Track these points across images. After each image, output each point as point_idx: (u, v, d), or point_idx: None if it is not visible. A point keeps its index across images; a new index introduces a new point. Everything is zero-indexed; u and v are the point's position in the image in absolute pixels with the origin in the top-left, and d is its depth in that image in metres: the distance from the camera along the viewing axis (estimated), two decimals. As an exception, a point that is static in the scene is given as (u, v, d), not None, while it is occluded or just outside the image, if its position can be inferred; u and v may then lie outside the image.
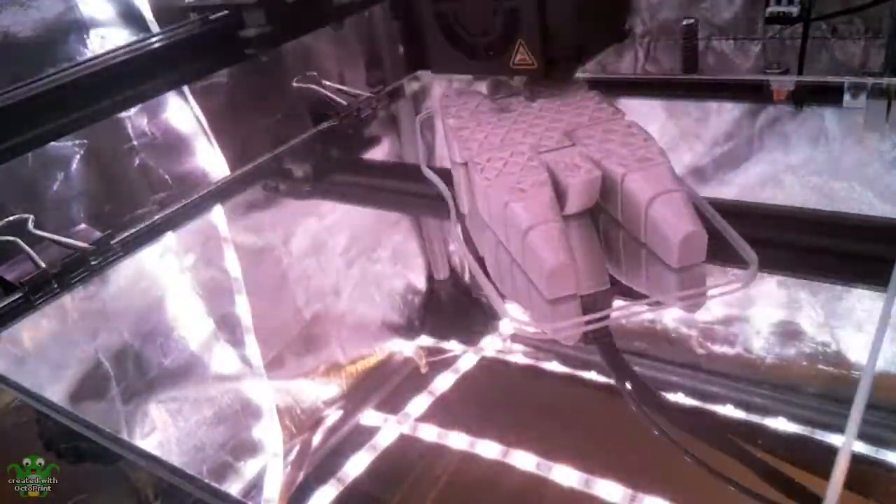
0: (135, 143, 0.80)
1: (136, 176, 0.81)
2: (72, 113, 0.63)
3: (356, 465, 0.41)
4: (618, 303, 0.43)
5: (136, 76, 0.66)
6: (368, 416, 0.45)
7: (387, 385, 0.48)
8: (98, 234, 0.62)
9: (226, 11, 0.72)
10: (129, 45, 0.67)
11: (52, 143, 0.72)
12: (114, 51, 0.66)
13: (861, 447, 0.35)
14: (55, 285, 0.58)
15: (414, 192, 0.65)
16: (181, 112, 0.85)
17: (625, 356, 0.42)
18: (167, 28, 0.72)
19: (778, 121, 0.68)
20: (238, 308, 0.58)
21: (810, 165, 0.60)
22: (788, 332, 0.46)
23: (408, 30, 0.91)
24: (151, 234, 0.66)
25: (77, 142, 0.75)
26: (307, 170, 0.77)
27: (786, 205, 0.53)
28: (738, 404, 0.41)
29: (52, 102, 0.63)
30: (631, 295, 0.43)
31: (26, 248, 0.58)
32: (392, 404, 0.45)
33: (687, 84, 0.50)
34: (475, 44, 0.54)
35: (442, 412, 0.44)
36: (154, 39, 0.69)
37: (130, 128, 0.80)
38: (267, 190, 0.74)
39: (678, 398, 0.43)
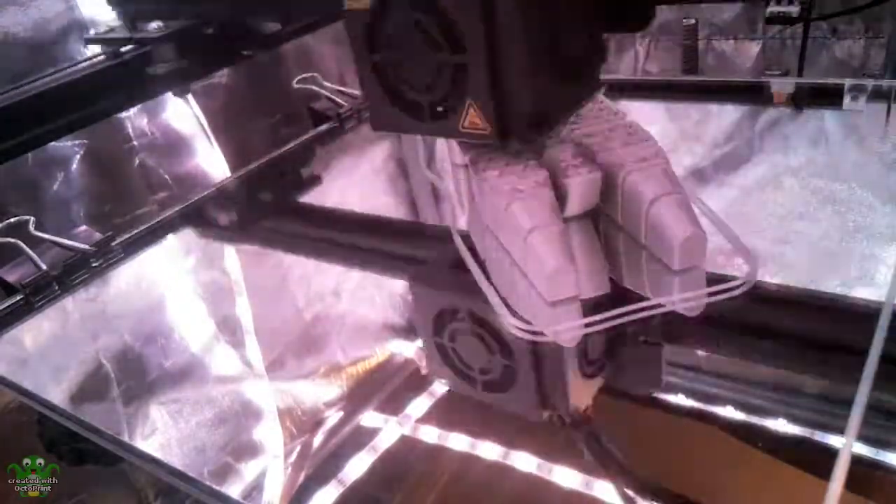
0: (135, 143, 0.80)
1: (136, 176, 0.81)
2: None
3: (357, 467, 0.41)
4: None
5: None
6: (369, 418, 0.45)
7: (387, 386, 0.48)
8: (99, 236, 0.62)
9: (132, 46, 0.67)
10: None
11: (52, 143, 0.72)
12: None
13: (861, 449, 0.35)
14: (56, 287, 0.58)
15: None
16: (181, 112, 0.85)
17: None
18: (72, 63, 0.68)
19: (778, 122, 0.68)
20: (239, 309, 0.58)
21: (810, 167, 0.60)
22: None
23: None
24: (152, 235, 0.66)
25: (77, 142, 0.75)
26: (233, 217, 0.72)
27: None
28: (739, 405, 0.41)
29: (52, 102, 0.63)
30: (631, 297, 0.44)
31: (27, 249, 0.58)
32: (393, 405, 0.45)
33: (687, 86, 0.50)
34: (419, 102, 0.44)
35: (442, 413, 0.44)
36: (51, 77, 0.65)
37: (130, 128, 0.81)
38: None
39: (678, 399, 0.43)
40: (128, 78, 0.68)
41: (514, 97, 0.42)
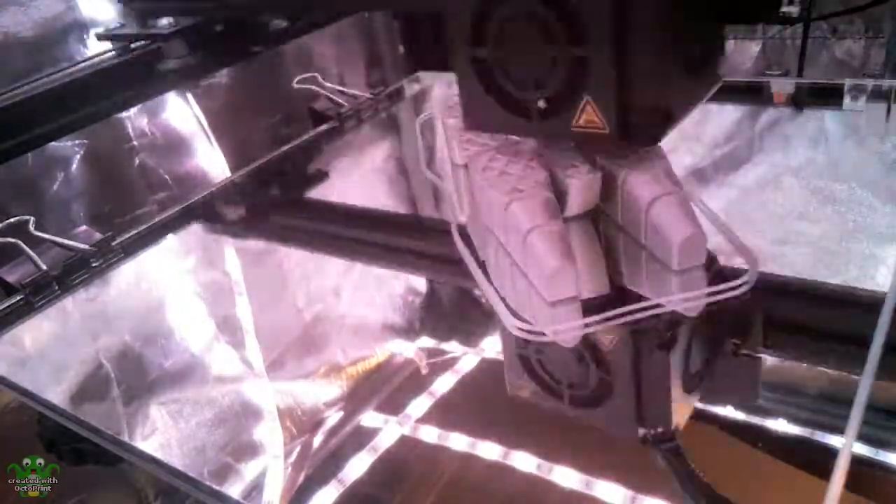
0: (135, 143, 0.80)
1: (136, 176, 0.81)
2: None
3: (357, 467, 0.41)
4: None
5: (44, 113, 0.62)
6: (369, 418, 0.45)
7: (387, 386, 0.48)
8: (99, 236, 0.62)
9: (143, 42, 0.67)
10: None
11: (52, 143, 0.72)
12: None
13: (861, 449, 0.35)
14: (56, 287, 0.58)
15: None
16: (181, 112, 0.85)
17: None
18: (81, 60, 0.68)
19: (778, 122, 0.68)
20: (239, 309, 0.58)
21: (810, 167, 0.60)
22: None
23: (407, 30, 0.91)
24: (152, 235, 0.66)
25: (77, 142, 0.75)
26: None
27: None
28: (739, 406, 0.41)
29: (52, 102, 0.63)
30: (631, 297, 0.44)
31: (27, 249, 0.58)
32: (393, 406, 0.45)
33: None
34: (525, 100, 0.41)
35: (442, 413, 0.44)
36: (59, 74, 0.65)
37: (130, 128, 0.80)
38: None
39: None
40: (138, 74, 0.68)
41: (638, 94, 0.39)
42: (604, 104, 0.39)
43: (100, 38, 0.71)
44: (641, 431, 0.39)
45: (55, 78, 0.65)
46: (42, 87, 0.64)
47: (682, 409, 0.39)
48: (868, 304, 0.42)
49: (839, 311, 0.45)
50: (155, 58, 0.69)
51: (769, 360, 0.44)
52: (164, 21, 0.69)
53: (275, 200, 0.75)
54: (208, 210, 0.72)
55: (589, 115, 0.40)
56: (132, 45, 0.69)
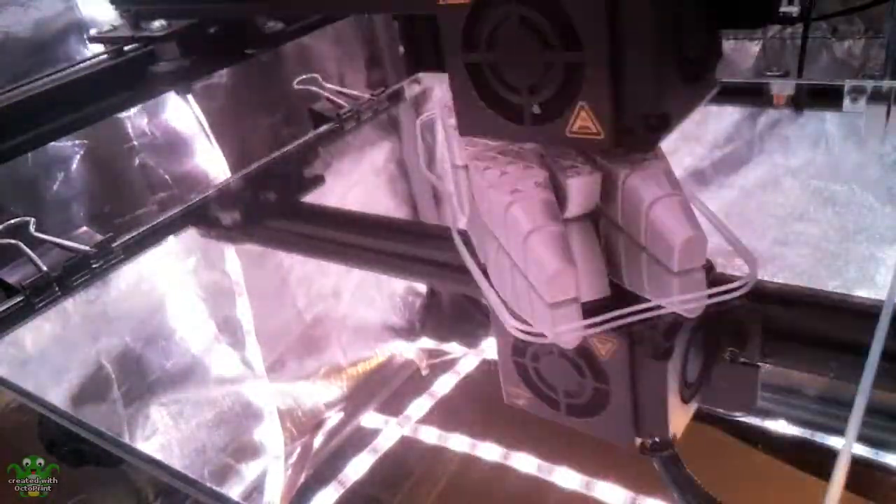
0: (135, 143, 0.80)
1: (136, 176, 0.81)
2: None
3: (357, 468, 0.41)
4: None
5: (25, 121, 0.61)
6: (369, 419, 0.45)
7: (388, 387, 0.48)
8: (99, 237, 0.62)
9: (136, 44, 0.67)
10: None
11: (52, 143, 0.72)
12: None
13: (861, 450, 0.35)
14: (56, 288, 0.58)
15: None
16: (181, 112, 0.85)
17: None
18: (73, 62, 0.68)
19: (778, 124, 0.68)
20: (239, 310, 0.58)
21: (810, 168, 0.60)
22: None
23: (408, 31, 0.91)
24: (152, 236, 0.66)
25: (77, 142, 0.75)
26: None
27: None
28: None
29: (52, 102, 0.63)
30: (631, 298, 0.44)
31: (27, 250, 0.58)
32: (393, 406, 0.45)
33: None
34: (519, 104, 0.41)
35: (443, 414, 0.44)
36: (51, 77, 0.64)
37: (130, 128, 0.80)
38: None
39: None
40: (130, 77, 0.68)
41: (634, 99, 0.38)
42: (598, 110, 0.39)
43: (91, 40, 0.70)
44: (638, 441, 0.39)
45: (50, 80, 0.64)
46: (35, 90, 0.64)
47: (679, 417, 0.39)
48: (866, 311, 0.42)
49: (837, 318, 0.45)
50: (148, 60, 0.68)
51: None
52: (157, 24, 0.68)
53: (273, 204, 0.75)
54: (208, 212, 0.72)
55: (583, 121, 0.40)
56: (125, 48, 0.68)
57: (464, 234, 0.53)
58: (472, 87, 0.42)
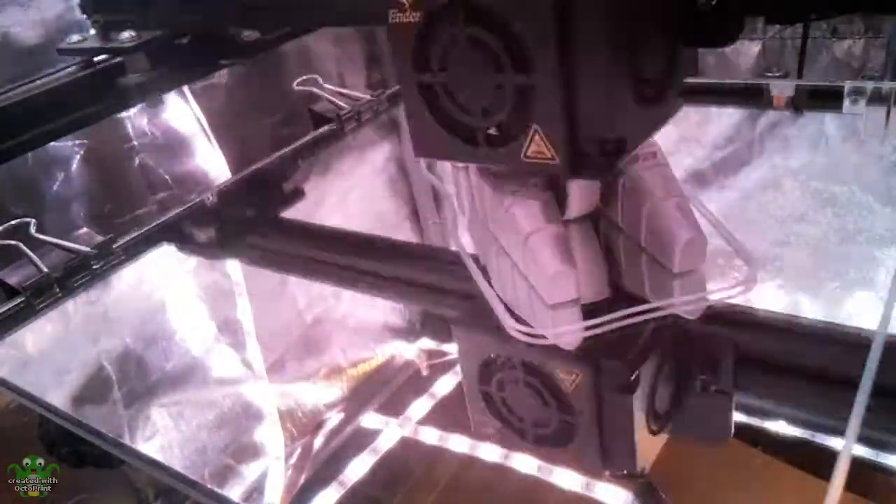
0: (135, 143, 0.80)
1: (136, 176, 0.81)
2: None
3: (357, 468, 0.42)
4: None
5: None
6: (369, 419, 0.45)
7: (388, 388, 0.48)
8: (100, 238, 0.62)
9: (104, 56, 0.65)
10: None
11: (52, 143, 0.72)
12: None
13: (861, 450, 0.35)
14: (57, 289, 0.58)
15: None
16: (181, 112, 0.85)
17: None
18: (42, 74, 0.66)
19: (778, 125, 0.68)
20: (239, 311, 0.58)
21: (810, 169, 0.60)
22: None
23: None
24: (153, 237, 0.66)
25: (77, 142, 0.75)
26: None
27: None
28: (739, 407, 0.41)
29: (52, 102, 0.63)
30: (631, 299, 0.44)
31: (28, 252, 0.58)
32: (393, 407, 0.45)
33: (687, 88, 0.49)
34: (473, 127, 0.39)
35: (443, 415, 0.44)
36: (21, 89, 0.63)
37: (130, 128, 0.80)
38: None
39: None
40: (100, 88, 0.67)
41: (588, 123, 0.36)
42: (552, 134, 0.37)
43: (61, 52, 0.69)
44: (607, 473, 0.39)
45: (24, 90, 0.64)
46: (37, 90, 0.64)
47: (650, 446, 0.39)
48: (842, 342, 0.41)
49: (815, 348, 0.43)
50: (117, 72, 0.67)
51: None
52: (126, 34, 0.67)
53: (271, 205, 0.75)
54: (207, 213, 0.72)
55: (537, 146, 0.38)
56: (94, 59, 0.68)
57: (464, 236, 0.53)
58: (425, 108, 0.40)
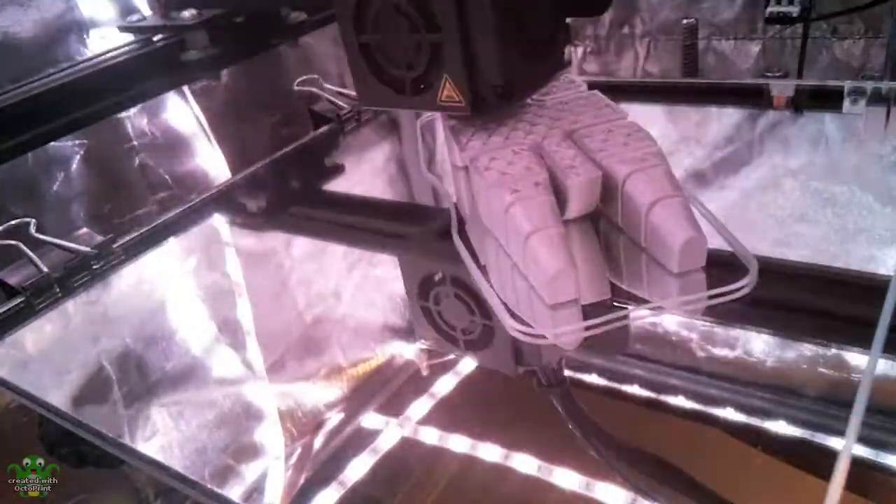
0: (135, 143, 0.80)
1: (136, 176, 0.81)
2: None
3: (357, 468, 0.41)
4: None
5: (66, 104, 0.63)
6: (370, 419, 0.45)
7: (388, 388, 0.48)
8: (100, 238, 0.62)
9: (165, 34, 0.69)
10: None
11: (52, 143, 0.72)
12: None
13: (861, 450, 0.35)
14: (57, 289, 0.58)
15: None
16: (181, 112, 0.85)
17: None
18: (105, 51, 0.69)
19: (778, 125, 0.68)
20: (239, 311, 0.58)
21: (810, 169, 0.60)
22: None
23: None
24: (153, 237, 0.66)
25: (77, 142, 0.75)
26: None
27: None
28: (739, 407, 0.41)
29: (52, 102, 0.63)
30: (632, 300, 0.44)
31: (28, 252, 0.58)
32: (393, 407, 0.45)
33: (687, 88, 0.49)
34: (402, 78, 0.49)
35: (443, 415, 0.44)
36: (85, 64, 0.66)
37: (130, 128, 0.80)
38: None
39: (679, 401, 0.43)
40: (160, 65, 0.70)
41: (484, 72, 0.47)
42: (458, 82, 0.47)
43: (122, 29, 0.72)
44: (520, 369, 0.45)
45: (81, 68, 0.66)
46: (66, 78, 0.65)
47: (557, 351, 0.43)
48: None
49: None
50: (177, 49, 0.71)
51: (769, 361, 0.44)
52: (187, 13, 0.71)
53: (271, 206, 0.75)
54: (207, 214, 0.72)
55: (448, 91, 0.48)
56: (153, 38, 0.70)
57: (463, 235, 0.53)
58: (364, 63, 0.50)
